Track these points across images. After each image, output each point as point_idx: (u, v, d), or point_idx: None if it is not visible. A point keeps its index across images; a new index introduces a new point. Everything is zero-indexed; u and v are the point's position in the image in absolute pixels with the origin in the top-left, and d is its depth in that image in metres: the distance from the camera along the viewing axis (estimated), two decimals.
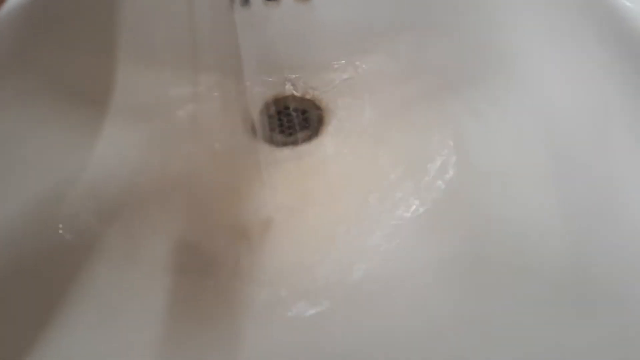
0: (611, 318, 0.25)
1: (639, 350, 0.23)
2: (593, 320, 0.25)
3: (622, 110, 0.30)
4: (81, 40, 0.39)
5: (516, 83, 0.37)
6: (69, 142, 0.37)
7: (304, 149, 0.40)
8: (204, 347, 0.28)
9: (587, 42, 0.33)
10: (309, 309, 0.30)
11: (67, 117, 0.38)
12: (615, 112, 0.31)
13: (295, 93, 0.43)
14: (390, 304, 0.30)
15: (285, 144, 0.41)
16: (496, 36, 0.38)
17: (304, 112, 0.42)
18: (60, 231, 0.32)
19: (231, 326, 0.29)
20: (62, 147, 0.36)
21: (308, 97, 0.43)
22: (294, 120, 0.42)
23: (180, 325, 0.29)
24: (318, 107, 0.43)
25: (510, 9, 0.37)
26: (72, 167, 0.36)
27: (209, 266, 0.34)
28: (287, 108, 0.43)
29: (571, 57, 0.34)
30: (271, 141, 0.41)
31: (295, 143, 0.41)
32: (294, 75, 0.44)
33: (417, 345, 0.28)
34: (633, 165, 0.29)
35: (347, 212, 0.37)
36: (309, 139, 0.41)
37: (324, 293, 0.31)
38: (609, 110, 0.31)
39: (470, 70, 0.40)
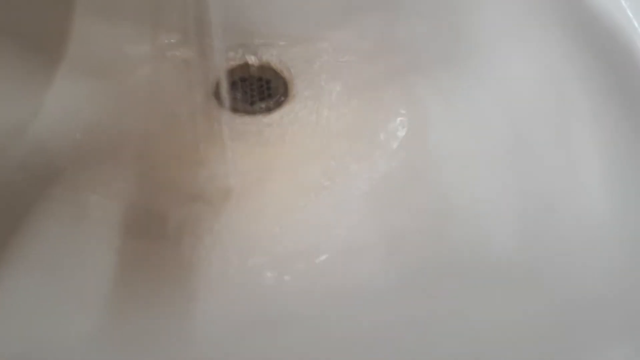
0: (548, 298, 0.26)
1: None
2: (532, 301, 0.26)
3: (581, 103, 0.32)
4: None
5: (483, 68, 0.38)
6: (16, 92, 0.35)
7: (266, 118, 0.40)
8: (153, 311, 0.28)
9: (551, 32, 0.34)
10: (264, 277, 0.30)
11: (15, 65, 0.36)
12: (575, 104, 0.32)
13: (261, 62, 0.42)
14: (344, 274, 0.30)
15: (247, 112, 0.40)
16: (467, 21, 0.39)
17: (268, 81, 0.42)
18: (3, 183, 0.30)
19: (183, 291, 0.29)
20: (8, 96, 0.34)
21: (274, 66, 0.42)
22: (258, 88, 0.41)
23: (129, 288, 0.29)
24: (283, 78, 0.42)
25: None
26: (18, 117, 0.34)
27: (162, 231, 0.33)
28: (251, 76, 0.42)
29: (536, 47, 0.35)
30: (233, 108, 0.40)
31: (258, 112, 0.40)
32: (261, 44, 0.43)
33: (366, 316, 0.28)
34: (587, 158, 0.30)
35: (306, 184, 0.37)
36: (272, 108, 0.40)
37: (280, 262, 0.31)
38: (568, 102, 0.32)
39: (438, 53, 0.41)
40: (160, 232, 0.32)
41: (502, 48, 0.37)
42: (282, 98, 0.41)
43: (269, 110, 0.40)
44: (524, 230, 0.30)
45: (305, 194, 0.36)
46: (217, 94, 0.40)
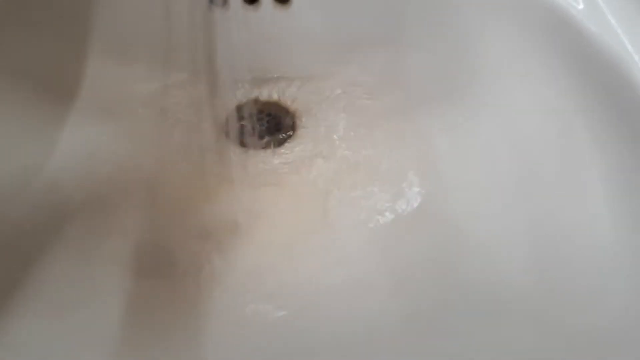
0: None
1: None
2: (542, 334, 0.26)
3: (585, 134, 0.32)
4: (49, 27, 0.38)
5: (487, 102, 0.38)
6: (32, 132, 0.37)
7: (274, 153, 0.41)
8: (162, 348, 0.28)
9: (553, 65, 0.34)
10: (271, 312, 0.30)
11: (31, 107, 0.38)
12: (578, 135, 0.33)
13: (269, 98, 0.44)
14: (351, 309, 0.31)
15: (256, 148, 0.41)
16: (470, 55, 0.40)
17: (276, 117, 0.43)
18: (18, 223, 0.31)
19: (191, 327, 0.29)
20: (25, 137, 0.36)
21: (282, 102, 0.44)
22: (266, 124, 0.42)
23: (138, 325, 0.29)
24: (291, 114, 0.43)
25: (485, 29, 0.38)
26: (34, 158, 0.35)
27: (171, 267, 0.34)
28: (260, 112, 0.43)
29: (539, 80, 0.36)
30: (242, 144, 0.41)
31: (266, 147, 0.41)
32: (269, 80, 0.44)
33: (375, 349, 0.28)
34: (593, 188, 0.31)
35: (314, 220, 0.37)
36: (280, 144, 0.41)
37: (287, 297, 0.31)
38: (572, 133, 0.33)
39: (442, 87, 0.42)
40: (168, 270, 0.33)
41: (505, 82, 0.38)
42: (290, 133, 0.42)
43: (277, 145, 0.41)
44: (534, 262, 0.30)
45: (311, 229, 0.37)
46: (226, 130, 0.42)
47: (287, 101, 0.44)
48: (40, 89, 0.38)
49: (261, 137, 0.42)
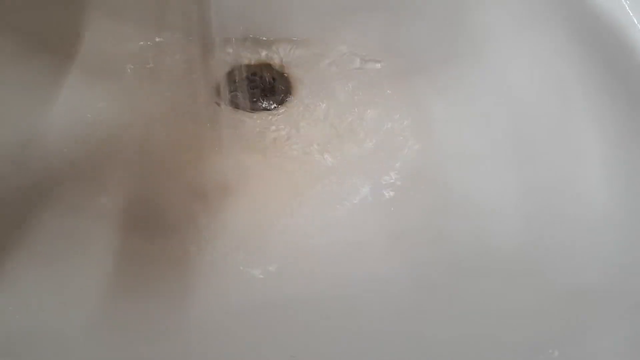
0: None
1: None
2: (532, 290, 0.26)
3: (582, 101, 0.32)
4: None
5: (485, 69, 0.38)
6: (25, 90, 0.36)
7: (268, 116, 0.40)
8: (151, 301, 0.28)
9: (552, 32, 0.34)
10: (261, 268, 0.30)
11: (23, 64, 0.37)
12: (576, 102, 0.33)
13: (264, 60, 0.43)
14: (345, 270, 0.31)
15: (248, 110, 0.41)
16: (468, 21, 0.40)
17: (271, 80, 0.42)
18: (9, 179, 0.31)
19: (181, 282, 0.29)
20: (18, 95, 0.35)
21: (277, 66, 0.43)
22: (259, 87, 0.42)
23: (127, 278, 0.29)
24: (286, 78, 0.43)
25: None
26: (27, 116, 0.35)
27: (161, 224, 0.34)
28: (253, 74, 0.42)
29: (538, 47, 0.36)
30: (234, 105, 0.41)
31: (258, 110, 0.41)
32: (263, 42, 0.43)
33: (367, 310, 0.28)
34: (588, 153, 0.31)
35: (306, 182, 0.37)
36: (273, 107, 0.41)
37: (278, 255, 0.31)
38: (569, 100, 0.33)
39: (440, 54, 0.41)
40: (157, 226, 0.33)
41: (504, 49, 0.38)
42: (285, 97, 0.42)
43: (270, 108, 0.41)
44: (528, 222, 0.30)
45: (302, 192, 0.37)
46: (218, 92, 0.41)
47: (282, 64, 0.43)
48: (32, 46, 0.38)
49: (254, 99, 0.41)
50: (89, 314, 0.26)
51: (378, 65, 0.43)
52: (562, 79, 0.34)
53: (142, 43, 0.42)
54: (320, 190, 0.37)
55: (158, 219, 0.33)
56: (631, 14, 0.30)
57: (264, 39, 0.43)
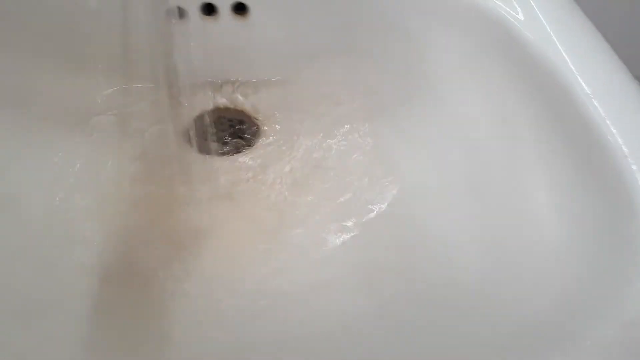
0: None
1: None
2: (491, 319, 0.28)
3: (528, 137, 0.35)
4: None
5: (438, 107, 0.41)
6: None
7: (237, 159, 0.42)
8: (130, 348, 0.29)
9: (498, 72, 0.37)
10: (235, 309, 0.32)
11: None
12: (522, 138, 0.35)
13: (230, 105, 0.45)
14: (317, 309, 0.32)
15: (218, 154, 0.42)
16: (422, 63, 0.43)
17: (238, 123, 0.44)
18: None
19: (159, 327, 0.30)
20: None
21: (244, 110, 0.45)
22: (228, 130, 0.44)
23: (104, 328, 0.30)
24: (253, 121, 0.45)
25: (433, 39, 0.41)
26: None
27: (136, 273, 0.35)
28: (221, 118, 0.44)
29: (486, 85, 0.38)
30: (204, 151, 0.42)
31: (228, 153, 0.43)
32: (229, 88, 0.46)
33: (336, 343, 0.30)
34: (536, 190, 0.33)
35: (276, 225, 0.39)
36: (242, 150, 0.43)
37: (250, 298, 0.33)
38: (517, 136, 0.36)
39: (398, 94, 0.44)
40: (134, 275, 0.34)
41: (456, 89, 0.41)
42: (253, 139, 0.44)
43: (239, 151, 0.43)
44: (484, 255, 0.33)
45: (273, 234, 0.38)
46: (188, 138, 0.43)
47: (248, 107, 0.45)
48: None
49: (223, 143, 0.43)
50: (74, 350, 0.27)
51: (341, 107, 0.46)
52: (509, 117, 0.37)
53: (107, 92, 0.44)
54: (289, 234, 0.38)
55: (133, 270, 0.34)
56: (566, 57, 0.33)
57: (229, 84, 0.45)
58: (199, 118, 0.44)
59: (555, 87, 0.33)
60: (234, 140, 0.44)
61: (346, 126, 0.45)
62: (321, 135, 0.45)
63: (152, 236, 0.37)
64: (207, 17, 0.43)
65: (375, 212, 0.39)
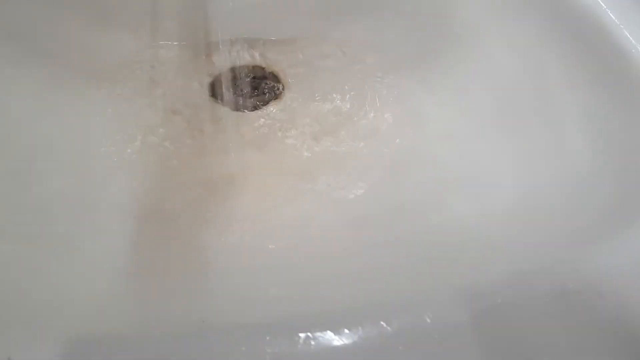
0: None
1: None
2: None
3: (559, 79, 0.36)
4: None
5: (466, 58, 0.42)
6: (30, 97, 0.37)
7: (263, 113, 0.43)
8: (168, 281, 0.29)
9: (527, 19, 0.38)
10: (262, 247, 0.32)
11: (25, 71, 0.38)
12: (554, 78, 0.36)
13: (256, 63, 0.46)
14: (339, 245, 0.33)
15: (243, 109, 0.43)
16: (447, 16, 0.43)
17: (264, 79, 0.45)
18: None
19: (197, 259, 0.31)
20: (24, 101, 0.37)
21: (269, 66, 0.46)
22: (253, 86, 0.44)
23: (143, 261, 0.30)
24: (278, 77, 0.45)
25: None
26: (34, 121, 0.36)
27: (169, 214, 0.35)
28: (247, 74, 0.45)
29: (513, 32, 0.39)
30: (231, 105, 0.43)
31: (254, 108, 0.43)
32: (256, 44, 0.46)
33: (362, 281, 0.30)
34: (567, 109, 0.34)
35: (301, 171, 0.39)
36: (268, 104, 0.43)
37: (277, 235, 0.34)
38: (546, 78, 0.36)
39: (423, 49, 0.45)
40: (166, 215, 0.34)
41: (482, 39, 0.41)
42: (277, 95, 0.44)
43: (264, 105, 0.43)
44: (514, 190, 0.33)
45: (298, 180, 0.39)
46: (213, 93, 0.43)
47: (273, 64, 0.46)
48: (32, 54, 0.39)
49: (249, 98, 0.44)
50: (111, 284, 0.28)
51: (365, 63, 0.46)
52: (540, 62, 0.37)
53: (137, 49, 0.44)
54: (315, 178, 0.39)
55: (166, 209, 0.35)
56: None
57: (255, 40, 0.46)
58: (226, 74, 0.45)
59: (585, 20, 0.33)
60: (260, 95, 0.44)
61: (372, 79, 0.45)
62: (346, 88, 0.45)
63: (184, 181, 0.37)
64: None
65: (402, 158, 0.40)
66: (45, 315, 0.26)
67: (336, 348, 0.21)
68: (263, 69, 0.46)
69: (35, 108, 0.38)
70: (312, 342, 0.21)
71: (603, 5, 0.34)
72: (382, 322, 0.22)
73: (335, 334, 0.22)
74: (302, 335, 0.21)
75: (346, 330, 0.22)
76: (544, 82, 0.36)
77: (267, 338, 0.21)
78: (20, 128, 0.36)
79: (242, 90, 0.44)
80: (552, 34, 0.36)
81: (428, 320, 0.22)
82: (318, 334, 0.21)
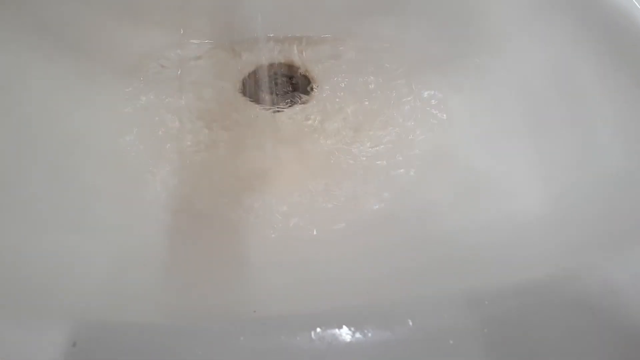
0: None
1: None
2: None
3: (590, 78, 0.36)
4: None
5: (494, 56, 0.42)
6: (64, 90, 0.39)
7: (293, 111, 0.44)
8: (206, 267, 0.31)
9: (557, 19, 0.38)
10: (296, 238, 0.34)
11: (57, 65, 0.40)
12: (584, 80, 0.36)
13: (286, 59, 0.46)
14: (365, 244, 0.34)
15: (274, 106, 0.44)
16: (475, 16, 0.43)
17: (294, 78, 0.46)
18: None
19: (232, 251, 0.32)
20: (59, 94, 0.38)
21: (297, 64, 0.46)
22: (283, 84, 0.45)
23: (179, 252, 0.31)
24: (307, 75, 0.46)
25: None
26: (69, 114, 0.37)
27: (204, 210, 0.36)
28: (277, 73, 0.46)
29: (545, 32, 0.39)
30: (261, 102, 0.44)
31: (284, 105, 0.44)
32: (284, 43, 0.47)
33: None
34: (598, 127, 0.34)
35: (334, 167, 0.40)
36: (298, 102, 0.44)
37: (310, 231, 0.35)
38: (578, 78, 0.36)
39: (451, 49, 0.45)
40: (201, 208, 0.36)
41: (511, 39, 0.41)
42: (306, 94, 0.45)
43: (294, 103, 0.44)
44: (545, 192, 0.33)
45: (330, 176, 0.39)
46: (245, 90, 0.44)
47: (303, 62, 0.46)
48: (66, 47, 0.41)
49: (279, 96, 0.45)
50: (153, 271, 0.29)
51: (394, 62, 0.46)
52: (572, 63, 0.37)
53: (168, 46, 0.45)
54: (343, 175, 0.40)
55: (201, 202, 0.36)
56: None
57: (285, 38, 0.47)
58: (256, 71, 0.46)
59: (619, 21, 0.33)
60: (290, 93, 0.45)
61: (400, 79, 0.46)
62: (375, 88, 0.46)
63: (217, 175, 0.38)
64: None
65: (429, 160, 0.40)
66: (83, 302, 0.27)
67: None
68: (293, 67, 0.46)
69: (68, 102, 0.39)
70: (349, 338, 0.22)
71: (638, 5, 0.34)
72: (409, 321, 0.23)
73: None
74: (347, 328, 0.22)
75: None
76: (576, 83, 0.36)
77: (318, 330, 0.22)
78: (56, 122, 0.37)
79: (272, 88, 0.45)
80: (585, 33, 0.36)
81: (444, 323, 0.23)
82: (352, 329, 0.22)
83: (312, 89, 0.45)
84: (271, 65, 0.46)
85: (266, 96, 0.45)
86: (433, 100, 0.43)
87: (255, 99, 0.44)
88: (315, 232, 0.34)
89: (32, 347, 0.22)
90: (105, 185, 0.36)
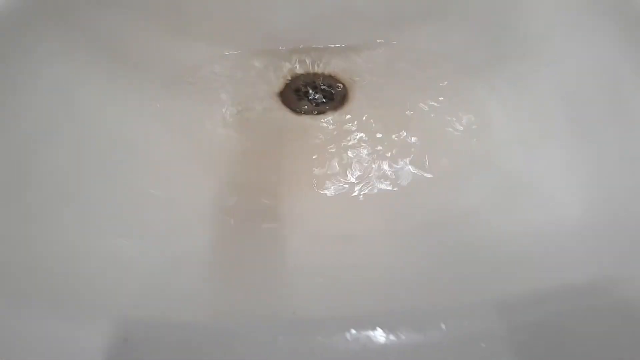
0: None
1: None
2: None
3: (634, 79, 0.35)
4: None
5: (535, 60, 0.42)
6: (115, 100, 0.41)
7: (330, 119, 0.45)
8: (252, 273, 0.32)
9: (602, 23, 0.37)
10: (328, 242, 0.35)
11: (110, 77, 0.43)
12: (628, 88, 0.35)
13: (321, 70, 0.48)
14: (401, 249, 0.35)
15: (311, 114, 0.45)
16: (516, 20, 0.43)
17: (328, 87, 0.47)
18: None
19: (277, 255, 0.33)
20: (111, 104, 0.41)
21: (333, 74, 0.48)
22: (319, 93, 0.46)
23: (226, 256, 0.33)
24: (343, 84, 0.47)
25: None
26: (119, 123, 0.40)
27: (247, 216, 0.38)
28: (312, 82, 0.47)
29: (588, 40, 0.39)
30: (298, 111, 0.45)
31: (319, 115, 0.45)
32: (320, 52, 0.48)
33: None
34: None
35: (368, 175, 0.41)
36: (333, 111, 0.45)
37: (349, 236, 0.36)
38: (622, 80, 0.36)
39: (490, 53, 0.45)
40: (248, 213, 0.37)
41: (553, 42, 0.41)
42: (343, 103, 0.46)
43: (331, 112, 0.45)
44: (588, 198, 0.33)
45: (368, 182, 0.40)
46: (284, 99, 0.46)
47: (339, 71, 0.48)
48: (116, 59, 0.43)
49: (314, 106, 0.46)
50: (199, 273, 0.31)
51: (433, 68, 0.47)
52: (615, 66, 0.36)
53: (211, 57, 0.48)
54: (380, 182, 0.40)
55: (244, 209, 0.38)
56: None
57: (320, 47, 0.48)
58: (294, 81, 0.47)
59: None
60: (327, 102, 0.46)
61: (437, 86, 0.46)
62: (412, 95, 0.46)
63: (259, 182, 0.40)
64: None
65: (468, 164, 0.41)
66: (134, 301, 0.30)
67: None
68: (332, 76, 0.48)
69: (121, 112, 0.41)
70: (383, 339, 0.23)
71: None
72: (442, 325, 0.24)
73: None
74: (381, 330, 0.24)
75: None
76: (619, 87, 0.36)
77: (353, 331, 0.23)
78: (110, 132, 0.40)
79: (309, 98, 0.46)
80: (629, 36, 0.36)
81: (477, 327, 0.24)
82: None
83: (347, 98, 0.46)
84: (308, 75, 0.48)
85: (304, 105, 0.46)
86: (472, 108, 0.44)
87: (294, 108, 0.46)
88: (352, 237, 0.35)
89: (83, 339, 0.24)
90: (156, 192, 0.38)
